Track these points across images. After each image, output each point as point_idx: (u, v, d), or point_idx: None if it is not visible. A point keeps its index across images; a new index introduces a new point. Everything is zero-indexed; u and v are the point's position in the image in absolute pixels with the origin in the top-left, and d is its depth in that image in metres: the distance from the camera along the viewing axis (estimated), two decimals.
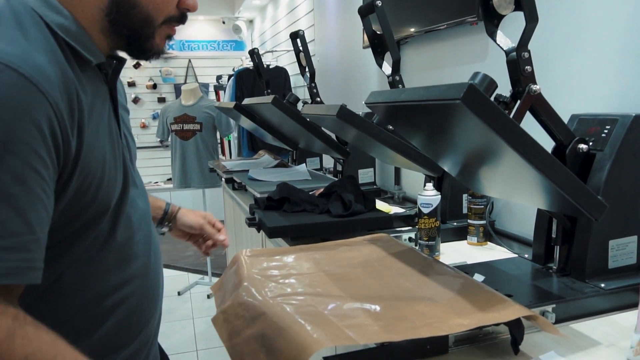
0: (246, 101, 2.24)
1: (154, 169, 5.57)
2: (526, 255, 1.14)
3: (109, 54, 0.74)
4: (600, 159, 0.96)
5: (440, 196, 1.26)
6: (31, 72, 0.57)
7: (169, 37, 0.75)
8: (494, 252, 1.32)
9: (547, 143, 0.97)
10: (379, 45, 1.45)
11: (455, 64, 1.73)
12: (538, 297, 0.91)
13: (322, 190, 1.47)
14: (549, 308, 0.87)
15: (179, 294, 3.42)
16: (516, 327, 0.75)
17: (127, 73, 5.55)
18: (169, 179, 4.78)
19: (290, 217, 1.32)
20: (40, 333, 0.58)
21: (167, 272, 3.42)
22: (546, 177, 0.76)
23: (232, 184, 2.31)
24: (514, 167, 0.83)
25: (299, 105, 2.13)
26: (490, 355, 0.78)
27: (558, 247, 1.02)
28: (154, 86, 5.63)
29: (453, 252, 1.33)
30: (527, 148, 0.74)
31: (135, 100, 5.59)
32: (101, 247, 0.73)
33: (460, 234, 1.44)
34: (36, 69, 0.58)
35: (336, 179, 1.47)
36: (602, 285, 0.93)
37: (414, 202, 1.97)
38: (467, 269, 1.05)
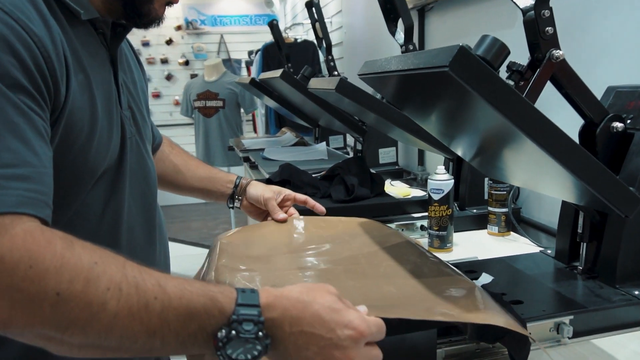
0: (260, 76, 2.13)
1: (189, 146, 5.58)
2: (549, 251, 0.98)
3: (111, 19, 0.72)
4: (639, 140, 0.79)
5: (452, 181, 1.11)
6: (11, 8, 0.55)
7: (169, 3, 0.73)
8: (516, 245, 1.16)
9: (577, 122, 0.82)
10: (392, 11, 1.30)
11: (482, 31, 1.54)
12: (555, 305, 0.76)
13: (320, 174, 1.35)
14: (566, 320, 0.72)
15: None
16: (515, 345, 0.62)
17: (160, 50, 5.54)
18: None
19: None
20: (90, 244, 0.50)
21: (195, 250, 3.42)
22: (562, 164, 0.61)
23: (249, 163, 2.22)
24: (526, 151, 0.68)
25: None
26: None
27: (585, 244, 0.87)
28: (186, 63, 5.60)
29: (468, 244, 1.18)
30: (536, 127, 0.59)
31: (168, 77, 5.58)
32: (86, 227, 0.67)
33: (480, 223, 1.29)
34: (17, 7, 0.55)
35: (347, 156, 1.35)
36: (636, 292, 0.78)
37: None
38: (476, 267, 0.91)
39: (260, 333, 0.47)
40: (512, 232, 1.24)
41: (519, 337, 0.62)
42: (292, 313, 0.49)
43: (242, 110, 3.46)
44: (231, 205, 1.06)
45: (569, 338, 0.72)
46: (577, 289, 0.81)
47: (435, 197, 1.11)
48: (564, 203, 0.93)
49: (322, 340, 0.48)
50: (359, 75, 0.89)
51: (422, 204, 1.41)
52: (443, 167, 1.13)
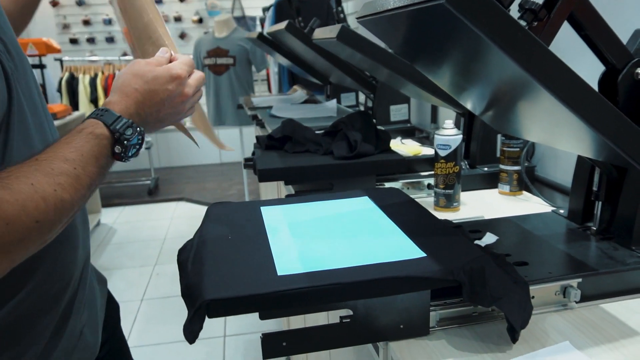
0: (267, 29, 2.04)
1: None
2: (562, 211, 0.92)
3: None
4: None
5: (460, 137, 1.05)
6: None
7: None
8: (528, 205, 1.10)
9: (597, 70, 0.74)
10: None
11: None
12: (563, 267, 0.71)
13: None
14: (574, 283, 0.67)
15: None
16: (514, 309, 0.57)
17: (173, 7, 5.42)
18: None
19: (288, 158, 1.17)
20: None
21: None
22: (578, 114, 0.55)
23: (257, 121, 2.17)
24: (540, 101, 0.61)
25: None
26: (482, 339, 0.61)
27: (600, 203, 0.80)
28: (200, 20, 5.48)
29: (477, 203, 1.13)
30: (548, 71, 0.52)
31: (182, 36, 5.48)
32: None
33: (491, 182, 1.23)
34: None
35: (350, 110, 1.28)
36: None
37: None
38: (481, 226, 0.86)
39: (138, 129, 0.61)
40: (524, 192, 1.18)
41: (518, 300, 0.58)
42: (138, 102, 0.63)
43: (253, 68, 3.38)
44: None
45: (576, 302, 0.67)
46: (589, 251, 0.75)
47: (442, 153, 1.05)
48: (579, 159, 0.86)
49: (165, 102, 0.64)
50: (357, 18, 0.82)
51: (430, 161, 1.36)
52: (451, 121, 1.06)
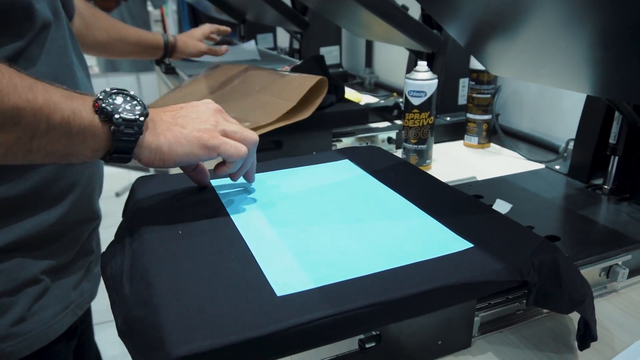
0: None
1: None
2: (558, 167, 0.80)
3: None
4: None
5: (436, 81, 0.88)
6: None
7: None
8: (502, 159, 0.99)
9: None
10: None
11: None
12: (599, 241, 0.59)
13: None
14: (621, 261, 0.55)
15: (117, 195, 3.04)
16: (593, 312, 0.43)
17: None
18: None
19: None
20: None
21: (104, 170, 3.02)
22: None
23: (161, 66, 1.84)
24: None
25: None
26: (534, 345, 0.47)
27: (616, 158, 0.69)
28: None
29: (446, 158, 0.99)
30: None
31: None
32: None
33: (454, 133, 1.09)
34: None
35: (297, 61, 1.06)
36: None
37: (389, 89, 1.59)
38: (481, 190, 0.71)
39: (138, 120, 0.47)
40: (491, 144, 1.06)
41: (591, 299, 0.44)
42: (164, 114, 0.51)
43: (149, 3, 2.92)
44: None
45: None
46: (618, 217, 0.64)
47: (415, 101, 0.88)
48: (587, 106, 0.73)
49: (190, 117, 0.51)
50: None
51: (381, 112, 1.19)
52: (425, 62, 0.88)
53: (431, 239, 0.46)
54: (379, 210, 0.52)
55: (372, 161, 0.66)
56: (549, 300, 0.43)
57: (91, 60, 4.97)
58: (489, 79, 0.99)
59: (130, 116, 0.46)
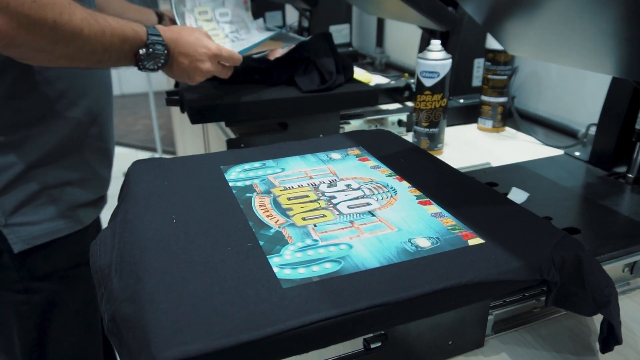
0: None
1: None
2: (577, 154, 0.76)
3: None
4: None
5: (450, 61, 0.84)
6: None
7: None
8: (517, 144, 0.94)
9: None
10: None
11: None
12: (623, 234, 0.55)
13: (277, 53, 1.02)
14: None
15: (125, 175, 3.03)
16: (618, 315, 0.40)
17: None
18: None
19: (226, 91, 0.89)
20: None
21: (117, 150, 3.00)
22: None
23: None
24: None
25: None
26: (552, 346, 0.44)
27: None
28: None
29: (458, 142, 0.95)
30: None
31: None
32: None
33: (467, 116, 1.05)
34: None
35: (304, 38, 1.01)
36: None
37: (400, 69, 1.54)
38: (495, 177, 0.68)
39: (165, 50, 0.72)
40: (506, 128, 1.02)
41: (616, 299, 0.40)
42: (176, 40, 0.74)
43: None
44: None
45: None
46: (633, 206, 0.60)
47: (428, 83, 0.84)
48: (612, 89, 0.69)
49: (190, 56, 0.75)
50: None
51: (392, 93, 1.15)
52: (439, 41, 0.84)
53: (440, 232, 0.43)
54: (387, 200, 0.49)
55: (380, 145, 0.63)
56: (570, 301, 0.40)
57: None
58: (506, 60, 0.94)
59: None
